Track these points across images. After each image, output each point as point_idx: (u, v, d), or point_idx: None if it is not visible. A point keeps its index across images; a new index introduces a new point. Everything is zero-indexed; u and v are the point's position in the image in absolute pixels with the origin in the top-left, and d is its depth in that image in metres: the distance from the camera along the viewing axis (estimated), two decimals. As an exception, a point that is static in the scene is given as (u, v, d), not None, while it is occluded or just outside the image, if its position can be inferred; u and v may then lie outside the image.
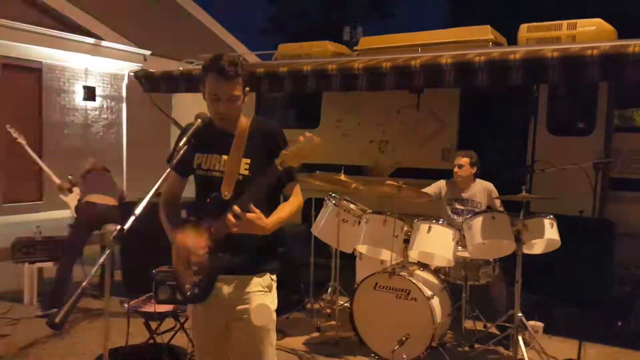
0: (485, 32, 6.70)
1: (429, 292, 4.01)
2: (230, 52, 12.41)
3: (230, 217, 2.19)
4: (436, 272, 4.39)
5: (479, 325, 4.62)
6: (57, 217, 8.74)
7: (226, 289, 2.39)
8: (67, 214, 5.84)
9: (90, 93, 11.94)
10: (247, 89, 2.36)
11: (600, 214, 5.70)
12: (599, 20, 6.30)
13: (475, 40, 6.40)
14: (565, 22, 6.34)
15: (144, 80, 6.34)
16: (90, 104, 12.02)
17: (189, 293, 2.40)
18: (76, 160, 10.94)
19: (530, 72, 4.43)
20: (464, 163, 4.75)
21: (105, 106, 12.41)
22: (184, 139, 2.26)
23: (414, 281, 4.02)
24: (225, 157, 2.35)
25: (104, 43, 11.80)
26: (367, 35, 7.66)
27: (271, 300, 2.43)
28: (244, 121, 2.40)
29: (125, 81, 12.66)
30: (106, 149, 12.01)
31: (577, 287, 4.94)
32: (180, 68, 6.32)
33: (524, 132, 6.47)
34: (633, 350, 4.40)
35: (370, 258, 4.64)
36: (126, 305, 3.76)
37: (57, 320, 1.64)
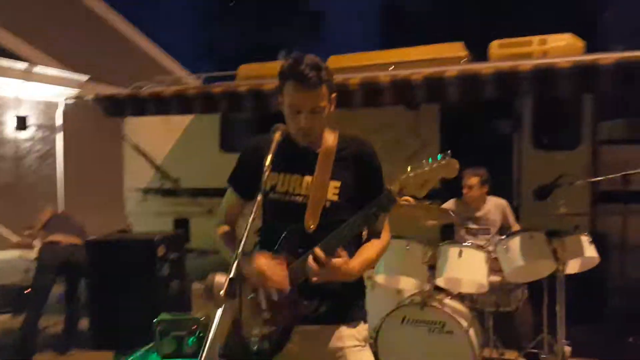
0: (458, 49, 6.62)
1: (465, 323, 3.63)
2: (170, 76, 11.86)
3: (311, 262, 1.72)
4: (462, 299, 4.03)
5: (508, 354, 4.28)
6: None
7: (306, 345, 1.89)
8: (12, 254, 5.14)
9: (21, 123, 10.90)
10: (334, 95, 1.92)
11: (592, 228, 5.59)
12: (569, 35, 6.36)
13: (448, 58, 6.28)
14: (536, 38, 6.37)
15: (106, 104, 5.70)
16: (21, 135, 10.97)
17: (255, 347, 1.87)
18: (8, 197, 9.96)
19: (503, 85, 4.40)
20: (473, 183, 4.46)
21: (38, 137, 11.37)
22: (269, 156, 1.76)
23: (448, 312, 3.64)
24: (308, 178, 1.90)
25: (36, 68, 10.84)
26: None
27: (368, 359, 1.95)
28: (330, 137, 1.96)
29: (61, 109, 11.68)
30: (40, 183, 10.99)
31: (577, 302, 4.75)
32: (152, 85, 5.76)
33: (509, 148, 6.33)
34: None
35: (386, 288, 4.22)
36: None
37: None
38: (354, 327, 1.94)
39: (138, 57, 13.95)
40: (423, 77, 4.58)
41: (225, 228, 2.06)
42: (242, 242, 1.55)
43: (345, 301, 1.94)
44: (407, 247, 3.90)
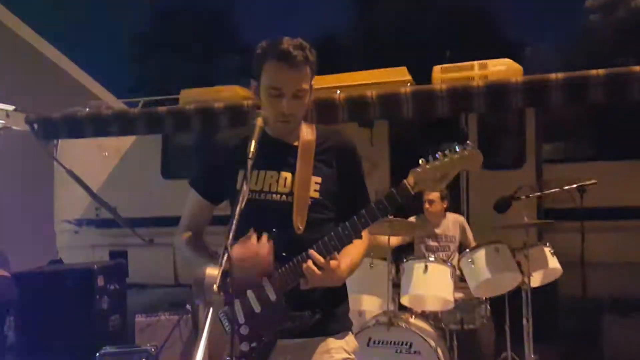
0: (403, 73, 6.69)
1: (432, 343, 3.49)
2: (105, 102, 11.34)
3: (311, 265, 1.54)
4: (426, 317, 3.90)
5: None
6: None
7: None
8: None
9: (-63, 154, 10.04)
10: (314, 82, 1.76)
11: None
12: (508, 60, 6.57)
13: (392, 82, 6.33)
14: (476, 63, 6.51)
15: (38, 126, 5.28)
16: (-63, 167, 10.10)
17: None
18: None
19: (455, 101, 4.44)
20: (434, 198, 4.41)
21: (-44, 170, 10.50)
22: (252, 144, 1.55)
23: (416, 331, 3.48)
24: (286, 174, 1.71)
25: (-44, 97, 10.08)
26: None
27: None
28: (307, 130, 1.80)
29: (-17, 140, 10.88)
30: (-41, 219, 10.09)
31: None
32: (87, 109, 5.38)
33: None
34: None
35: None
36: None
37: None
38: (342, 338, 1.76)
39: (69, 87, 13.33)
40: (377, 94, 4.52)
41: (190, 234, 1.83)
42: (232, 230, 1.33)
43: (331, 311, 1.75)
44: (371, 265, 3.77)
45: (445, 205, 4.47)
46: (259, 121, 1.62)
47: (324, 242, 1.62)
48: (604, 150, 6.18)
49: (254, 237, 1.62)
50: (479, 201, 6.03)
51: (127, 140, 6.89)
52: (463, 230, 4.50)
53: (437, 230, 4.47)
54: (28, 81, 11.87)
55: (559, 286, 4.87)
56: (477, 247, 3.81)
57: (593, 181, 4.07)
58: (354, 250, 1.77)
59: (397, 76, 6.62)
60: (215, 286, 1.15)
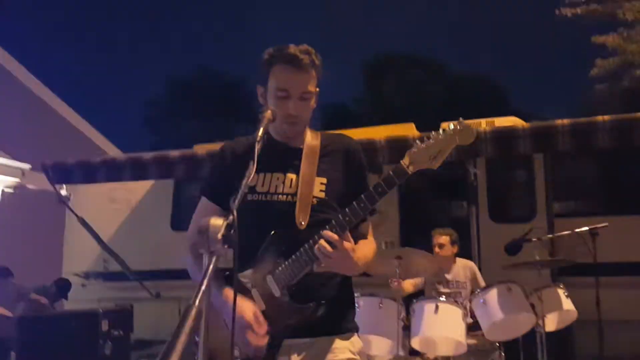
0: (411, 129, 6.82)
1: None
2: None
3: (323, 244, 1.53)
4: (438, 364, 3.76)
5: None
6: None
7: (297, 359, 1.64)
8: None
9: (-47, 209, 10.17)
10: (318, 89, 1.82)
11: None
12: (513, 117, 6.69)
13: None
14: (484, 120, 6.65)
15: (52, 171, 5.38)
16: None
17: None
18: None
19: (465, 146, 4.50)
20: (444, 242, 4.37)
21: (-31, 226, 10.59)
22: (259, 133, 1.59)
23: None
24: (291, 175, 1.75)
25: (-24, 155, 10.33)
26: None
27: None
28: (312, 135, 1.85)
29: (-2, 197, 11.03)
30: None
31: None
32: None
33: (466, 221, 6.34)
34: None
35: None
36: None
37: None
38: (348, 339, 1.72)
39: (85, 147, 13.65)
40: (386, 139, 4.60)
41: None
42: (241, 191, 1.35)
43: (338, 310, 1.72)
44: (381, 305, 3.68)
45: (455, 250, 4.41)
46: (268, 114, 1.66)
47: (330, 226, 1.62)
48: (616, 204, 6.14)
49: (249, 309, 1.64)
50: (490, 254, 5.94)
51: (139, 193, 6.97)
52: (474, 277, 4.42)
53: (448, 276, 4.39)
54: (48, 142, 12.21)
55: (575, 338, 4.72)
56: (489, 286, 3.74)
57: (605, 224, 4.03)
58: (367, 246, 1.78)
59: (406, 131, 6.76)
60: (219, 235, 1.15)
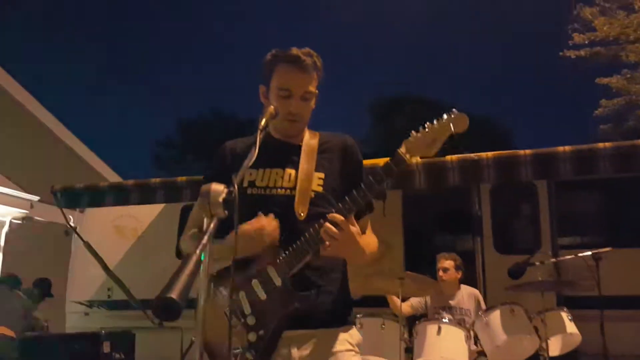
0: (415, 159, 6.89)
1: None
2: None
3: (329, 226, 1.57)
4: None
5: None
6: None
7: (296, 353, 1.66)
8: None
9: (-40, 239, 10.23)
10: (317, 91, 1.89)
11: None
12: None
13: (407, 166, 6.53)
14: (486, 153, 6.72)
15: (61, 195, 5.46)
16: (-42, 252, 10.24)
17: None
18: None
19: (465, 171, 4.53)
20: (448, 266, 4.37)
21: (-23, 256, 10.63)
22: (261, 123, 1.65)
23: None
24: (290, 171, 1.81)
25: (-14, 186, 10.45)
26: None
27: None
28: (311, 134, 1.91)
29: (6, 229, 11.10)
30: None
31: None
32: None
33: (471, 252, 6.33)
34: None
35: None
36: None
37: (173, 295, 0.88)
38: (346, 331, 1.74)
39: (95, 181, 13.77)
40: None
41: (195, 230, 1.87)
42: (242, 169, 1.40)
43: (337, 303, 1.75)
44: (383, 326, 3.67)
45: (459, 275, 4.41)
46: (271, 109, 1.72)
47: (336, 210, 1.65)
48: (621, 236, 6.11)
49: (261, 216, 1.67)
50: (495, 285, 5.90)
51: (145, 221, 7.02)
52: (478, 304, 4.39)
53: (452, 302, 4.37)
54: (57, 174, 12.34)
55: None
56: (492, 308, 3.73)
57: (608, 248, 4.02)
58: (370, 237, 1.82)
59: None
60: (220, 198, 1.19)
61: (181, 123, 26.56)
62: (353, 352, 1.72)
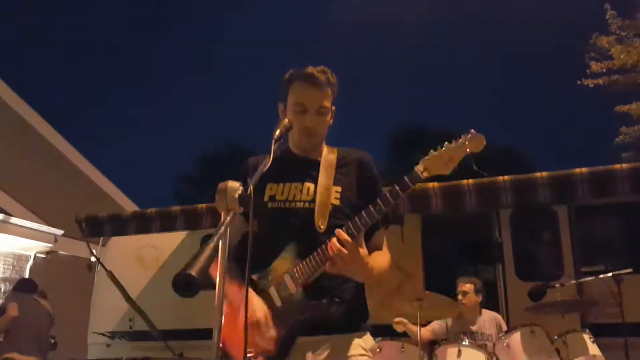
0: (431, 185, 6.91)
1: None
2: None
3: (335, 243, 1.62)
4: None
5: None
6: None
7: (311, 358, 1.70)
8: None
9: (-13, 274, 10.45)
10: (334, 107, 1.96)
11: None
12: (535, 174, 6.75)
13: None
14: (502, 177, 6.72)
15: (85, 224, 5.59)
16: (-15, 286, 10.45)
17: None
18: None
19: (483, 195, 4.52)
20: (468, 290, 4.35)
21: (2, 290, 10.81)
22: (276, 133, 1.72)
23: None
24: (309, 185, 1.87)
25: (12, 219, 10.69)
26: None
27: None
28: (329, 149, 1.99)
29: (30, 262, 11.30)
30: None
31: None
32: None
33: (492, 280, 6.26)
34: None
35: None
36: None
37: (192, 271, 0.94)
38: (360, 337, 1.76)
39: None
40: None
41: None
42: (258, 172, 1.46)
43: (351, 310, 1.78)
44: (402, 350, 3.65)
45: (479, 299, 4.37)
46: (285, 122, 1.79)
47: (345, 227, 1.70)
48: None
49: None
50: (518, 312, 5.81)
51: (166, 252, 7.11)
52: (500, 329, 4.34)
53: (473, 327, 4.33)
54: (80, 208, 12.54)
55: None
56: (513, 329, 3.69)
57: (629, 269, 3.97)
58: (381, 257, 1.86)
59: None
60: (236, 194, 1.25)
61: (200, 159, 26.96)
62: (367, 357, 1.74)
